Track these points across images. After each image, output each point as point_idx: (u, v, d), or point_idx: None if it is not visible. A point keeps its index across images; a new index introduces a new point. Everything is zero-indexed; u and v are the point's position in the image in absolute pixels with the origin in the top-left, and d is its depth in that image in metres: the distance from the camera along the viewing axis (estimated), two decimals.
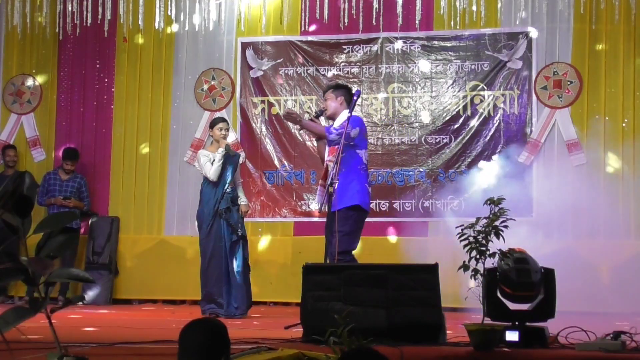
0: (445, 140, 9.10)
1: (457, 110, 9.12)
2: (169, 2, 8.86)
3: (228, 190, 7.51)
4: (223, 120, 7.82)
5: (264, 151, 9.47)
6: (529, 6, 8.77)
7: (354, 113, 6.95)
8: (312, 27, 9.28)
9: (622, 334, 4.64)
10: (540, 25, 8.92)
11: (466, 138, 9.02)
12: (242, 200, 7.61)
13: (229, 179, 7.53)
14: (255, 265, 9.22)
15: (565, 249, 8.42)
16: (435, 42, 9.20)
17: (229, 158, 7.56)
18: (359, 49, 9.36)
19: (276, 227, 9.46)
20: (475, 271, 4.66)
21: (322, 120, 7.08)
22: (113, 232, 9.59)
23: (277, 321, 6.90)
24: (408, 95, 9.28)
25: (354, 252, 6.66)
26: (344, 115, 6.86)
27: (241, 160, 7.89)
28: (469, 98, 9.08)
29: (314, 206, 7.30)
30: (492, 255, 4.72)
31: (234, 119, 9.61)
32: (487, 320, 4.81)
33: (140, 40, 9.78)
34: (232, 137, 9.53)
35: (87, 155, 9.85)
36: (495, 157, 8.85)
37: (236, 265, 7.44)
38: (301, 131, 9.31)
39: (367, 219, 8.95)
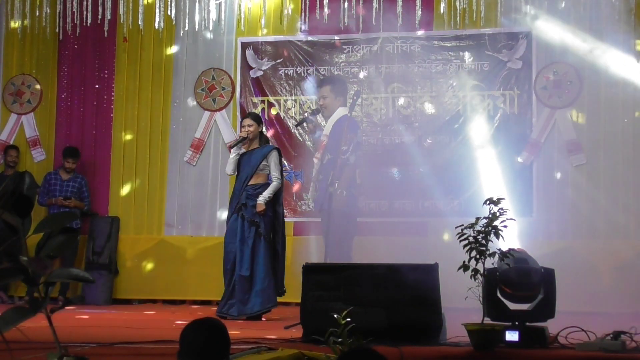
0: (445, 140, 9.09)
1: (457, 110, 9.12)
2: (169, 2, 8.86)
3: (247, 185, 7.33)
4: (246, 116, 7.74)
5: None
6: (529, 6, 8.77)
7: (346, 113, 7.02)
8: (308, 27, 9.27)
9: (622, 334, 4.65)
10: (540, 25, 8.92)
11: (466, 138, 9.01)
12: (260, 198, 7.29)
13: (247, 172, 7.36)
14: None
15: (565, 249, 8.43)
16: (435, 42, 9.20)
17: (246, 153, 7.42)
18: (359, 49, 9.35)
19: None
20: (475, 271, 4.66)
21: (319, 119, 7.11)
22: (113, 232, 9.58)
23: (277, 321, 6.90)
24: (408, 95, 9.27)
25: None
26: (338, 113, 6.91)
27: (275, 157, 7.49)
28: (468, 98, 9.08)
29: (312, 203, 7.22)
30: (492, 255, 4.73)
31: (234, 119, 9.60)
32: (487, 320, 4.81)
33: (140, 41, 9.78)
34: (232, 136, 9.53)
35: (87, 155, 9.84)
36: (495, 157, 8.84)
37: (253, 265, 7.21)
38: (301, 131, 9.33)
39: (367, 219, 9.02)
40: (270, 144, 7.74)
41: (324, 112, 7.10)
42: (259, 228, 7.26)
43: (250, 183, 7.35)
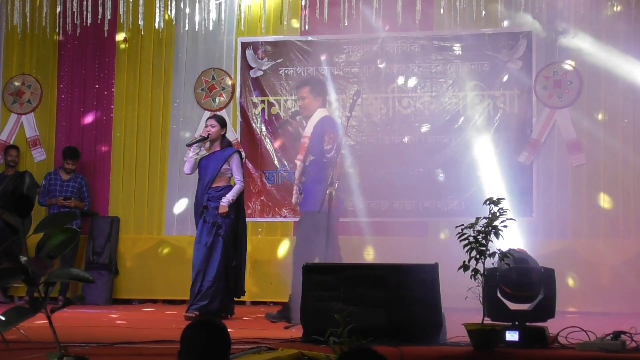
0: (445, 140, 9.08)
1: (457, 110, 9.12)
2: (169, 2, 8.86)
3: (209, 188, 7.27)
4: (211, 116, 7.64)
5: (264, 151, 9.46)
6: (529, 6, 8.76)
7: (327, 113, 7.12)
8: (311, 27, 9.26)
9: (622, 334, 4.65)
10: (540, 26, 8.92)
11: (466, 138, 9.01)
12: (223, 199, 7.21)
13: (208, 176, 7.29)
14: (255, 265, 9.23)
15: (565, 249, 8.44)
16: (435, 42, 9.19)
17: (206, 156, 7.34)
18: (359, 49, 9.35)
19: (276, 227, 9.45)
20: (475, 271, 4.67)
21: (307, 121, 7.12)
22: (113, 232, 9.58)
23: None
24: (408, 95, 9.27)
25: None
26: (318, 114, 6.96)
27: (237, 160, 7.40)
28: (469, 98, 9.07)
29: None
30: (492, 255, 4.73)
31: (234, 119, 9.60)
32: (487, 320, 4.81)
33: (140, 41, 9.78)
34: (232, 136, 9.53)
35: (87, 155, 9.85)
36: (495, 157, 8.84)
37: (206, 264, 7.18)
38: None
39: (367, 219, 9.02)
40: (233, 147, 7.65)
41: (302, 112, 7.15)
42: (219, 229, 7.20)
43: (213, 186, 7.29)
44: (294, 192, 7.13)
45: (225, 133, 7.51)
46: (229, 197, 7.20)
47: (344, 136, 7.53)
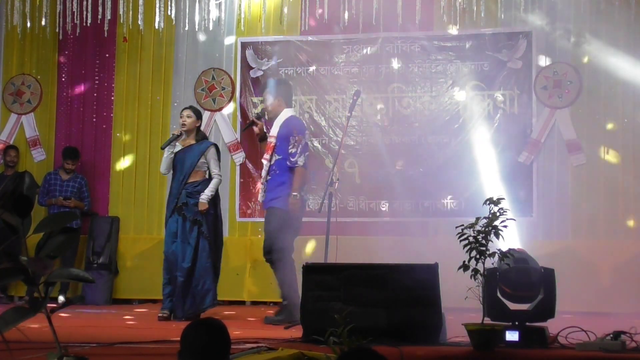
0: (445, 140, 9.08)
1: (457, 110, 9.12)
2: (169, 2, 8.86)
3: (185, 183, 7.19)
4: (186, 107, 7.55)
5: (264, 151, 9.44)
6: (529, 6, 8.77)
7: (293, 113, 7.20)
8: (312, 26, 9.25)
9: (622, 334, 4.66)
10: (540, 25, 8.92)
11: (466, 138, 9.01)
12: (202, 196, 7.14)
13: (185, 170, 7.21)
14: (255, 265, 9.23)
15: (565, 249, 8.44)
16: (435, 42, 9.19)
17: (181, 150, 7.28)
18: (359, 49, 9.35)
19: None
20: (475, 271, 4.67)
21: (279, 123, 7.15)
22: (113, 232, 9.58)
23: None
24: (408, 95, 9.27)
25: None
26: (284, 114, 7.02)
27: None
28: (469, 98, 9.07)
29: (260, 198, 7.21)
30: (492, 255, 4.73)
31: (234, 119, 9.60)
32: (487, 320, 4.81)
33: (140, 40, 9.78)
34: (232, 137, 9.53)
35: (87, 155, 9.85)
36: (495, 157, 8.84)
37: (194, 264, 7.12)
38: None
39: (368, 219, 9.03)
40: (208, 140, 7.60)
41: (269, 113, 7.20)
42: (201, 227, 7.13)
43: (189, 181, 7.21)
44: (260, 190, 7.19)
45: (200, 125, 7.47)
46: (208, 192, 7.15)
47: (344, 136, 7.56)
